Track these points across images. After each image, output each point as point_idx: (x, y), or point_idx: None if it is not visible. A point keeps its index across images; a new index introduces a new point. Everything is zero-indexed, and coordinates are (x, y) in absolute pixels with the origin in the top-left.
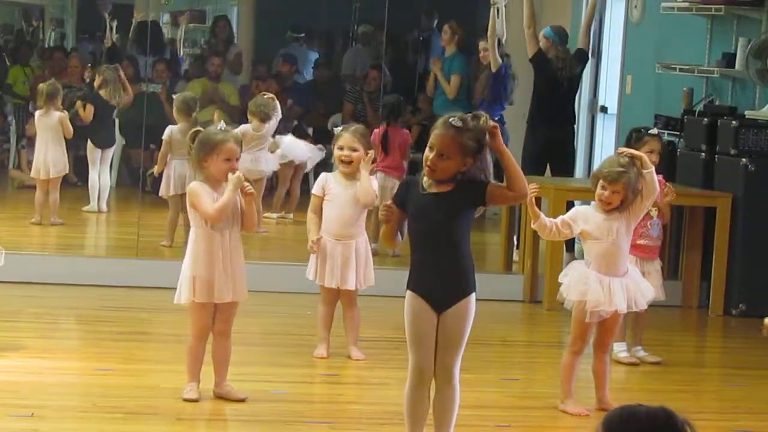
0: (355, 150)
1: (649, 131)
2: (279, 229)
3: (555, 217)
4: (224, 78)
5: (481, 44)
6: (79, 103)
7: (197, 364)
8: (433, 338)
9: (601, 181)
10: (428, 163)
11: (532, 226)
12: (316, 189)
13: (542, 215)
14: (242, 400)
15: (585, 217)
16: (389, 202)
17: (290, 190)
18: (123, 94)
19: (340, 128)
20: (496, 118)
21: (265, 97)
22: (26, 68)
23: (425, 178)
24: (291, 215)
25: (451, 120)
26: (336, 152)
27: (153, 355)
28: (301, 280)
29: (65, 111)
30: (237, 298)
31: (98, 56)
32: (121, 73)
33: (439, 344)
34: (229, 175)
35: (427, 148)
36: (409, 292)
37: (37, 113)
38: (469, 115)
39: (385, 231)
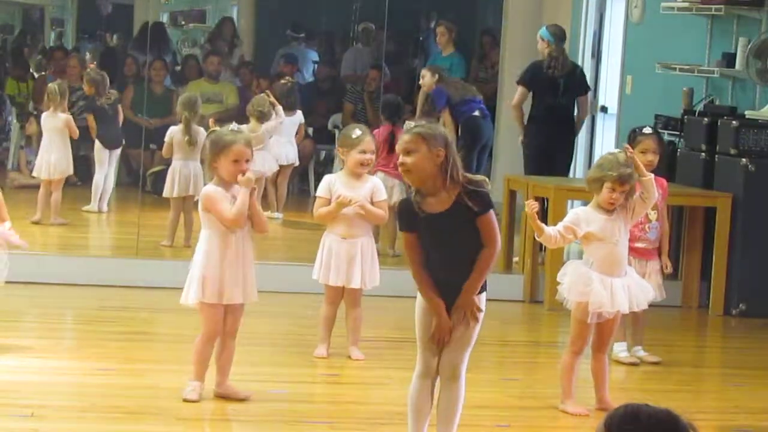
0: (373, 153)
1: (643, 131)
2: (278, 228)
3: (555, 220)
4: (224, 78)
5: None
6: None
7: (204, 364)
8: None
9: (609, 184)
10: (400, 166)
11: (538, 239)
12: (322, 191)
13: (545, 227)
14: (245, 399)
15: (586, 219)
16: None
17: (277, 188)
18: (108, 99)
19: (359, 132)
20: (476, 113)
21: (264, 96)
22: (22, 84)
23: (416, 199)
24: (281, 215)
25: (407, 127)
26: (358, 156)
27: (153, 355)
28: (301, 280)
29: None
30: (247, 300)
31: (99, 56)
32: (107, 81)
33: (447, 341)
34: (240, 176)
35: None
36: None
37: (43, 114)
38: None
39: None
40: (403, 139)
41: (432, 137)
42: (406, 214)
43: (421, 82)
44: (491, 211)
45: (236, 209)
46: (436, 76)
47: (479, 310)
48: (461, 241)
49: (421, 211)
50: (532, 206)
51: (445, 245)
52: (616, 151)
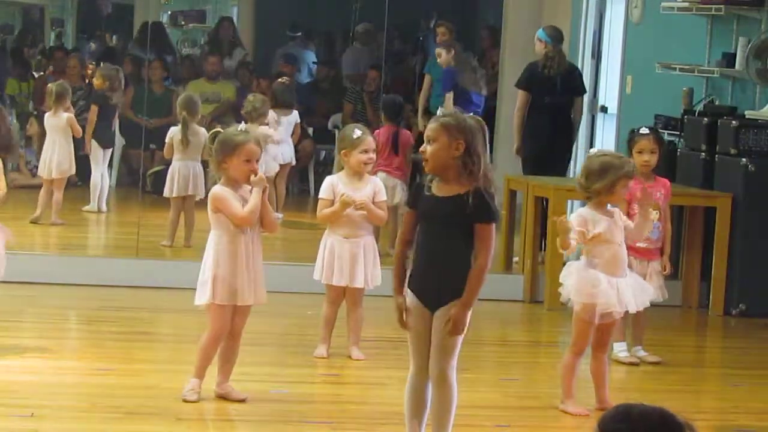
0: (374, 152)
1: (639, 131)
2: (278, 228)
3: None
4: (223, 78)
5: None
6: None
7: (207, 363)
8: (427, 337)
9: (625, 181)
10: (420, 154)
11: (563, 251)
12: (324, 193)
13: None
14: (242, 401)
15: (593, 220)
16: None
17: (276, 188)
18: (122, 95)
19: (359, 132)
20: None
21: (249, 98)
22: (23, 83)
23: (431, 181)
24: (281, 215)
25: (437, 114)
26: (360, 156)
27: (153, 355)
28: (301, 280)
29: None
30: (258, 301)
31: (99, 56)
32: (122, 75)
33: (432, 343)
34: (252, 177)
35: None
36: (407, 290)
37: (46, 114)
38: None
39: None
40: (428, 126)
41: (455, 128)
42: (415, 190)
43: (438, 60)
44: (492, 225)
45: (250, 207)
46: (452, 51)
47: (463, 331)
48: (448, 226)
49: (428, 190)
50: (565, 223)
51: (434, 226)
52: (596, 151)
